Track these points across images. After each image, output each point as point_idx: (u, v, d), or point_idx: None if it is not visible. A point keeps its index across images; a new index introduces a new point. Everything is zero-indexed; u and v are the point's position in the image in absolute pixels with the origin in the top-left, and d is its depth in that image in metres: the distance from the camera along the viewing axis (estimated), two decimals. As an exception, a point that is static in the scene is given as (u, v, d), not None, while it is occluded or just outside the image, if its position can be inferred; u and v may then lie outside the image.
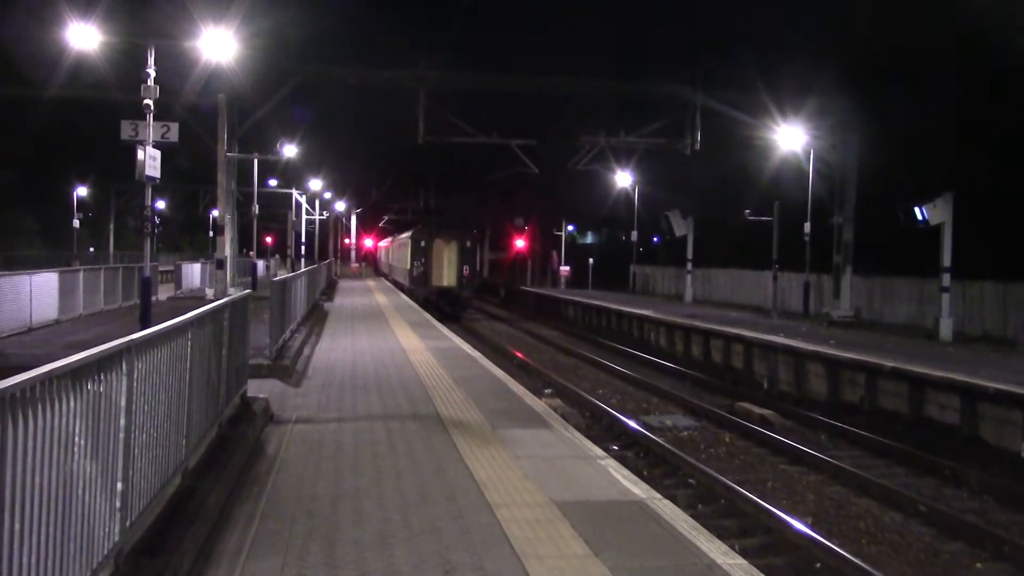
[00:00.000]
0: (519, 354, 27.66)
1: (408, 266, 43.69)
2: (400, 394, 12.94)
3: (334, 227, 76.41)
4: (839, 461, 14.18)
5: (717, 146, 33.31)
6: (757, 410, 18.19)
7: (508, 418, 11.14)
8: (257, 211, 39.08)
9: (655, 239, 63.38)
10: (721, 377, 23.27)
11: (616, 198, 49.90)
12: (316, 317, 26.25)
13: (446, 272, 41.95)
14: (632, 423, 16.82)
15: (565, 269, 52.61)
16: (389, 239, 73.98)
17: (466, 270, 42.23)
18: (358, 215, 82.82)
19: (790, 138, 30.10)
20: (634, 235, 48.11)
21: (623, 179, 44.72)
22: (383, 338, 20.98)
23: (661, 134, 33.22)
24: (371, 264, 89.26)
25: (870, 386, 18.16)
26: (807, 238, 30.07)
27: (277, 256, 74.58)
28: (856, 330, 26.74)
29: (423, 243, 42.27)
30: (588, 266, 50.87)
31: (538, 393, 18.02)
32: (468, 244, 42.55)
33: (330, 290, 43.84)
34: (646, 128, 33.61)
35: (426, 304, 37.63)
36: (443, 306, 40.11)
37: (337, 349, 18.65)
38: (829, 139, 30.80)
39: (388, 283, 54.90)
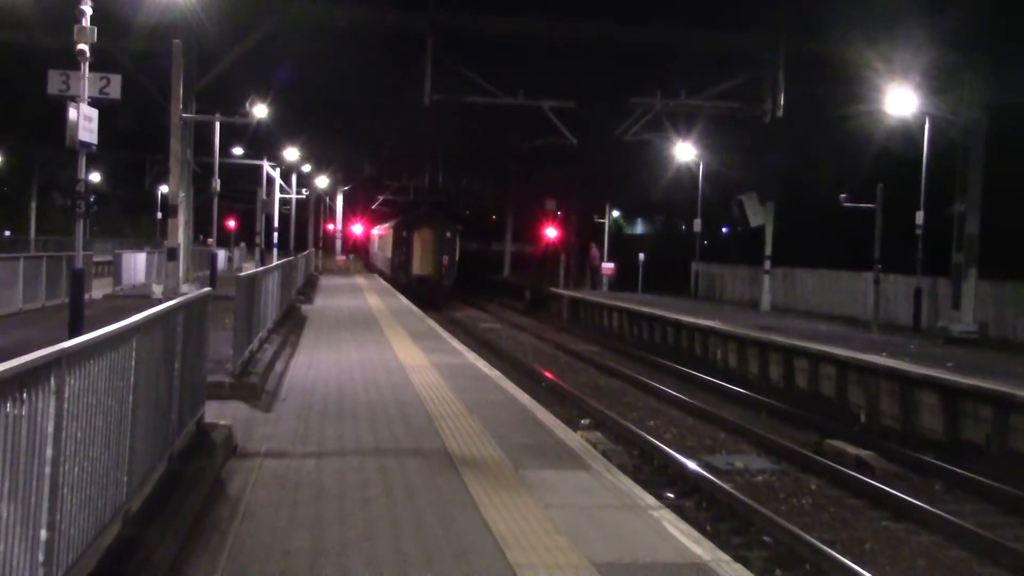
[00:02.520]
0: (549, 374, 27.67)
1: (390, 255, 57.18)
2: (398, 423, 12.95)
3: (315, 209, 76.69)
4: (958, 518, 14.07)
5: (805, 113, 33.18)
6: (852, 450, 18.09)
7: (535, 456, 11.14)
8: (219, 187, 39.24)
9: (724, 230, 63.25)
10: (806, 407, 23.16)
11: (674, 177, 49.77)
12: (292, 323, 26.34)
13: (425, 261, 54.61)
14: (692, 464, 16.77)
15: (608, 267, 52.61)
16: (384, 226, 74.30)
17: (446, 260, 54.83)
18: (346, 194, 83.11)
19: (899, 104, 29.92)
20: (697, 224, 47.98)
21: (684, 152, 44.62)
22: (377, 351, 21.01)
23: (733, 96, 33.12)
24: (362, 256, 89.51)
25: (999, 422, 18.01)
26: (919, 231, 29.88)
27: (243, 245, 74.94)
28: (981, 350, 26.54)
29: (404, 233, 55.28)
30: (637, 263, 50.79)
31: (573, 424, 17.99)
32: (448, 235, 55.30)
33: (310, 289, 44.00)
34: (713, 88, 33.50)
35: (405, 291, 47.31)
36: (423, 293, 49.88)
37: (318, 364, 18.70)
38: (950, 105, 30.60)
39: (384, 282, 55.10)
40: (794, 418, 22.07)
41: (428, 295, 50.45)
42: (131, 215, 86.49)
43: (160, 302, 9.13)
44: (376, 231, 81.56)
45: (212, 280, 37.23)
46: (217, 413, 12.21)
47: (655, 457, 17.62)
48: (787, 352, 25.79)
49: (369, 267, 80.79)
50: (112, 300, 30.41)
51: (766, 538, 13.22)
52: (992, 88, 30.42)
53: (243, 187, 68.13)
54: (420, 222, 56.49)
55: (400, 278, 54.32)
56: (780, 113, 31.96)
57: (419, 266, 54.60)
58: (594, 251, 55.24)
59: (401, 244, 55.51)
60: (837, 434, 19.98)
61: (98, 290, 33.01)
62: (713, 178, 47.90)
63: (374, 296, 40.93)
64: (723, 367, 29.27)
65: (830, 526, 14.18)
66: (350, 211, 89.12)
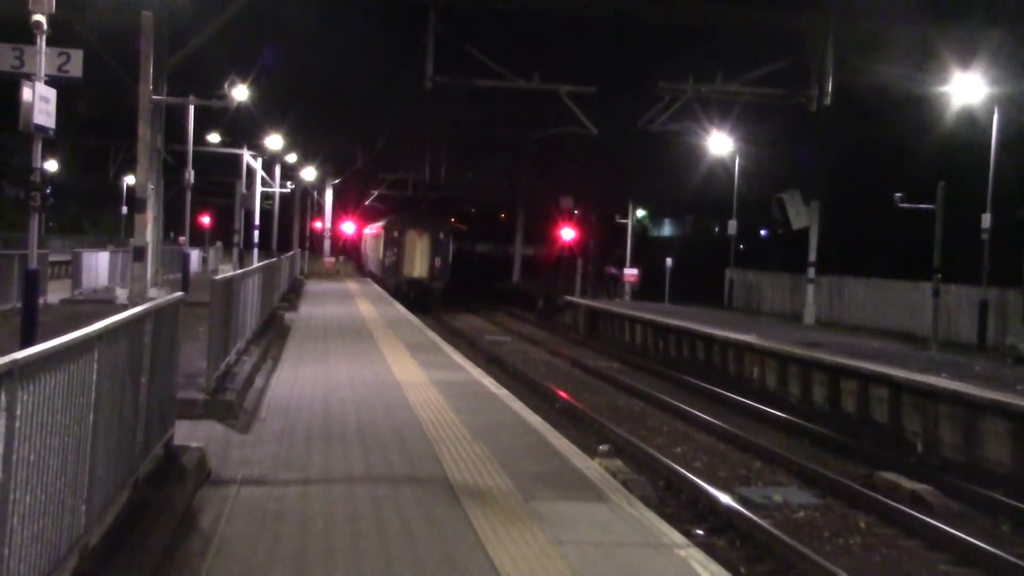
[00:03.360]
0: (563, 394, 27.62)
1: (381, 256, 60.77)
2: (392, 447, 12.94)
3: (301, 205, 76.79)
4: (1028, 562, 14.01)
5: (856, 100, 33.16)
6: (907, 484, 18.02)
7: (547, 486, 11.11)
8: (193, 179, 39.29)
9: (762, 232, 63.21)
10: (855, 434, 23.09)
11: (707, 172, 49.78)
12: (274, 333, 26.34)
13: (418, 263, 58.18)
14: (724, 497, 16.72)
15: (631, 273, 52.60)
16: (377, 225, 74.47)
17: (438, 262, 58.39)
18: (336, 188, 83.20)
19: (965, 89, 29.85)
20: (731, 226, 47.97)
21: (718, 144, 44.62)
22: (370, 366, 20.99)
23: (775, 82, 33.13)
24: (353, 258, 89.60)
25: (1074, 454, 17.92)
26: (985, 235, 29.80)
27: (219, 244, 75.04)
28: (1054, 372, 26.44)
29: (395, 233, 58.94)
30: (664, 269, 50.76)
31: (590, 451, 17.95)
32: (441, 236, 59.01)
33: (294, 295, 44.03)
34: (752, 72, 33.51)
35: (396, 294, 50.48)
36: (414, 297, 53.38)
37: (303, 380, 18.69)
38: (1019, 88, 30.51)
39: (377, 287, 55.14)
40: (841, 447, 21.99)
41: (419, 298, 53.83)
42: (93, 209, 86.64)
43: (125, 308, 9.14)
44: (369, 230, 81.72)
45: (184, 284, 37.23)
46: (188, 434, 12.18)
47: (683, 489, 17.57)
48: (833, 372, 25.70)
49: (362, 270, 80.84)
50: (70, 305, 30.43)
51: (809, 583, 13.17)
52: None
53: (220, 179, 68.17)
54: (411, 222, 60.11)
55: (390, 280, 57.75)
56: (828, 101, 31.97)
57: (410, 268, 58.13)
58: (610, 269, 55.48)
59: (391, 245, 59.07)
60: (890, 465, 19.90)
61: (54, 294, 33.05)
62: (751, 174, 47.89)
63: (366, 303, 40.93)
64: (760, 388, 29.19)
65: (881, 570, 14.12)
66: (340, 207, 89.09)
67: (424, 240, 58.52)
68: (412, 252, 58.38)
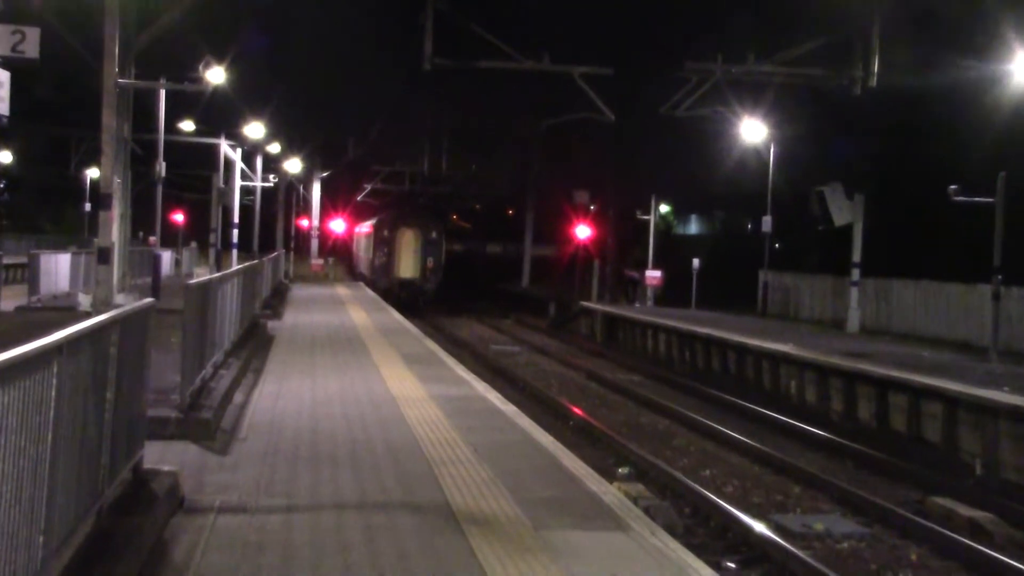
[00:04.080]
0: (578, 410, 27.60)
1: (371, 256, 65.60)
2: (387, 470, 12.93)
3: (286, 201, 76.83)
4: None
5: (905, 82, 33.09)
6: (964, 510, 17.96)
7: (559, 512, 11.10)
8: (164, 172, 39.37)
9: (801, 230, 62.98)
10: (905, 455, 23.04)
11: (738, 163, 49.69)
12: (255, 343, 26.34)
13: (409, 263, 62.55)
14: (759, 526, 16.69)
15: (653, 275, 52.54)
16: (369, 223, 74.65)
17: (430, 262, 62.63)
18: (324, 182, 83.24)
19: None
20: (766, 223, 47.89)
21: (750, 132, 44.53)
22: (362, 379, 20.99)
23: (814, 61, 33.08)
24: (344, 260, 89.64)
25: None
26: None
27: (194, 245, 75.11)
28: None
29: (386, 232, 63.23)
30: (690, 271, 50.71)
31: (608, 474, 17.92)
32: (434, 235, 63.41)
33: (278, 300, 44.05)
34: (789, 51, 33.47)
35: (386, 296, 54.12)
36: (404, 298, 56.92)
37: (288, 395, 18.69)
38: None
39: (371, 292, 55.16)
40: (889, 469, 21.94)
41: (409, 300, 57.70)
42: (52, 206, 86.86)
43: (89, 316, 9.13)
44: (360, 229, 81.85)
45: (155, 289, 37.27)
46: (160, 456, 12.17)
47: (712, 516, 17.54)
48: (880, 385, 25.64)
49: (353, 273, 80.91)
50: (27, 313, 30.48)
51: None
52: None
53: (195, 172, 68.35)
54: (402, 220, 64.46)
55: (380, 282, 61.92)
56: (874, 82, 31.90)
57: (401, 269, 62.54)
58: (631, 274, 55.42)
59: (381, 244, 63.51)
60: (944, 490, 19.85)
61: (9, 301, 33.11)
62: (788, 164, 47.81)
63: (359, 310, 40.94)
64: (798, 403, 29.13)
65: (936, 607, 14.07)
66: (330, 203, 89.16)
67: (416, 239, 62.79)
68: (403, 252, 62.55)
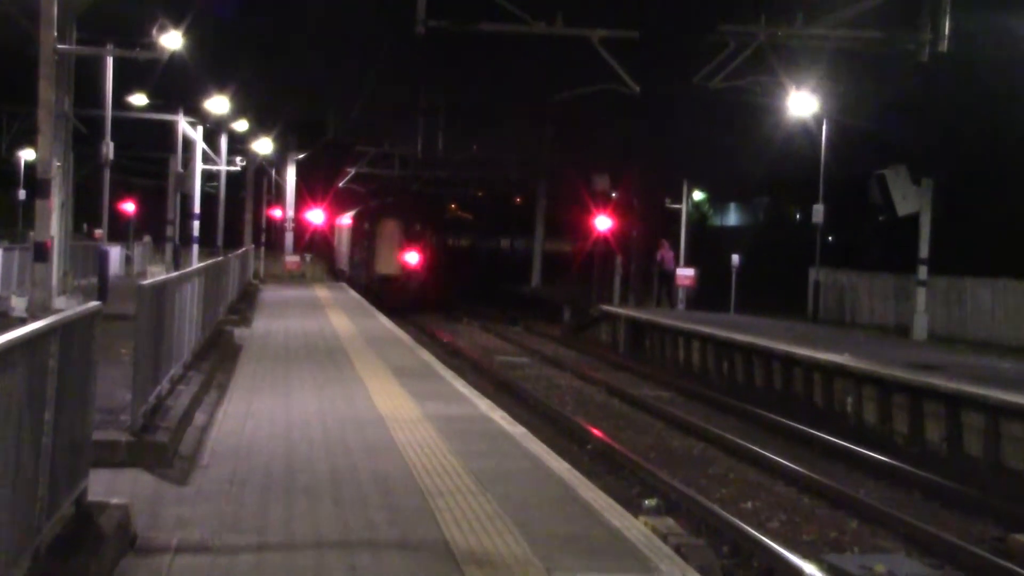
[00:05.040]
0: (597, 432, 27.57)
1: (350, 251, 71.17)
2: (375, 502, 12.93)
3: (255, 187, 76.82)
4: None
5: (981, 47, 33.01)
6: (1051, 549, 17.92)
7: (576, 553, 11.08)
8: (112, 154, 39.34)
9: (858, 220, 62.94)
10: (982, 485, 22.99)
11: (784, 142, 49.59)
12: (220, 354, 26.36)
13: (390, 258, 66.33)
14: (810, 568, 16.66)
15: (686, 274, 52.41)
16: (351, 214, 75.01)
17: (416, 257, 66.48)
18: (301, 166, 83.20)
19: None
20: (817, 212, 47.81)
21: (799, 105, 44.46)
22: (345, 397, 20.99)
23: (874, 23, 33.00)
24: (324, 256, 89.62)
25: None
26: None
27: (147, 239, 75.19)
28: None
29: (366, 225, 68.03)
30: (729, 268, 50.65)
31: (633, 506, 17.89)
32: (419, 227, 67.69)
33: (247, 304, 44.06)
34: (845, 11, 33.40)
35: (366, 294, 57.06)
36: (386, 297, 59.08)
37: (259, 415, 18.68)
38: None
39: (355, 294, 55.18)
40: (963, 500, 21.89)
41: (393, 299, 60.18)
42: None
43: (24, 323, 9.10)
44: (342, 220, 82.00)
45: (102, 291, 37.30)
46: (108, 487, 12.16)
47: (755, 556, 17.51)
48: (952, 403, 25.57)
49: (335, 271, 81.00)
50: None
51: None
52: None
53: (148, 154, 68.29)
54: (383, 211, 69.74)
55: (361, 278, 66.54)
56: (944, 47, 31.79)
57: (383, 264, 66.57)
58: (666, 251, 54.76)
59: (363, 238, 68.29)
60: (1028, 524, 19.82)
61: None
62: (843, 144, 47.75)
63: (341, 315, 40.95)
64: (856, 423, 29.07)
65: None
66: (307, 191, 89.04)
67: (398, 231, 67.26)
68: (384, 246, 66.92)
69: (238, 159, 67.30)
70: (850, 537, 19.35)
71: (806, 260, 49.80)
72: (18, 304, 31.95)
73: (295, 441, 16.51)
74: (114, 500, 11.38)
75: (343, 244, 77.15)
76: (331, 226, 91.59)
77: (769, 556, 17.31)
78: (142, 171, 78.63)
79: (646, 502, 20.39)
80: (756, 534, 18.26)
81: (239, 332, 32.65)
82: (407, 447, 16.19)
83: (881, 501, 21.31)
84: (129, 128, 53.30)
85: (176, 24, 36.70)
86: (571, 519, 12.45)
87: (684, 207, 54.91)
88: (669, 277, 53.36)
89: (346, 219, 78.45)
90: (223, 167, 62.28)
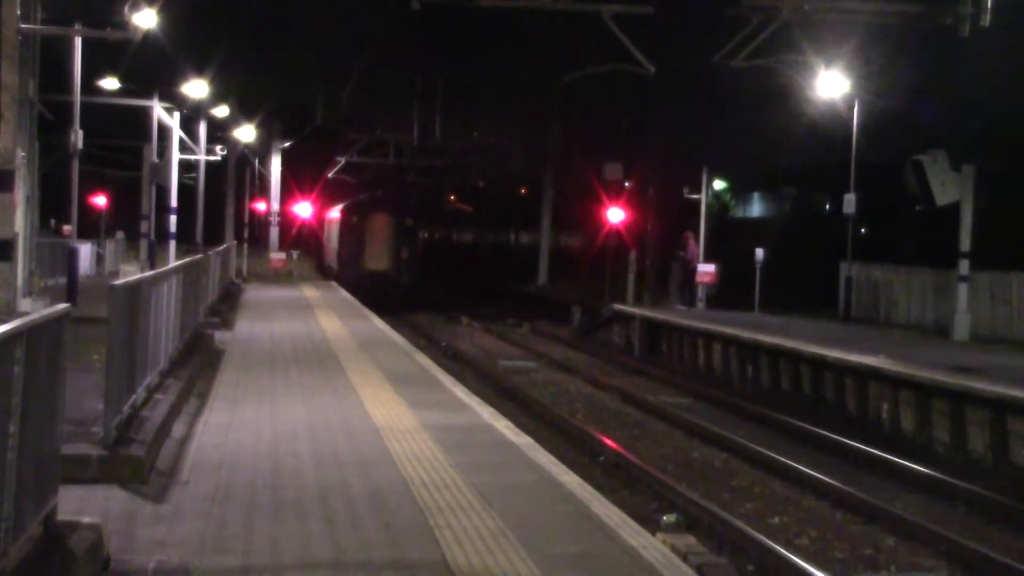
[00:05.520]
0: (611, 442, 27.52)
1: (338, 246, 72.55)
2: (369, 520, 12.93)
3: (238, 178, 76.81)
4: None
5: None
6: (1105, 567, 17.88)
7: (588, 573, 11.10)
8: (82, 143, 39.31)
9: (893, 210, 62.99)
10: (1029, 497, 22.95)
11: (813, 126, 49.59)
12: (200, 360, 26.31)
13: (380, 254, 69.29)
14: (844, 589, 16.62)
15: (706, 271, 52.33)
16: (339, 208, 75.24)
17: (404, 252, 69.53)
18: (287, 155, 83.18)
19: None
20: (849, 202, 47.75)
21: (828, 86, 44.44)
22: (336, 405, 20.98)
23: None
24: (312, 253, 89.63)
25: None
26: None
27: (120, 235, 75.18)
28: None
29: (354, 219, 70.46)
30: (753, 264, 50.58)
31: (650, 523, 17.87)
32: (408, 222, 70.79)
33: (229, 306, 44.05)
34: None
35: (356, 290, 58.69)
36: (376, 293, 60.66)
37: (242, 426, 18.66)
38: None
39: (347, 294, 55.19)
40: (1010, 514, 21.86)
41: (382, 295, 61.63)
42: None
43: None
44: (332, 214, 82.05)
45: (71, 292, 37.30)
46: (79, 505, 12.14)
47: (782, 575, 17.50)
48: (998, 408, 25.51)
49: (323, 269, 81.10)
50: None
51: None
52: None
53: (121, 143, 68.23)
54: (373, 205, 72.40)
55: (348, 274, 68.43)
56: (987, 21, 31.76)
57: (372, 260, 69.40)
58: (692, 245, 54.60)
59: (350, 233, 70.78)
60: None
61: None
62: (876, 128, 47.73)
63: (331, 316, 40.94)
64: (892, 431, 29.02)
65: None
66: (294, 182, 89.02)
67: (387, 226, 70.29)
68: (373, 241, 69.99)
69: (218, 148, 67.16)
70: (886, 555, 19.32)
71: (837, 254, 49.75)
72: (-21, 307, 31.99)
73: (282, 454, 16.49)
74: (85, 519, 11.36)
75: (332, 240, 77.40)
76: (320, 220, 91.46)
77: (798, 576, 17.30)
78: (114, 161, 78.57)
79: (664, 518, 20.38)
80: (784, 552, 18.23)
81: (220, 336, 32.65)
82: (404, 460, 16.17)
83: (920, 515, 21.24)
84: (100, 115, 53.25)
85: (150, 1, 36.69)
86: (582, 537, 12.43)
87: (703, 197, 54.81)
88: (690, 273, 53.15)
89: (335, 213, 78.53)
90: (202, 156, 62.20)
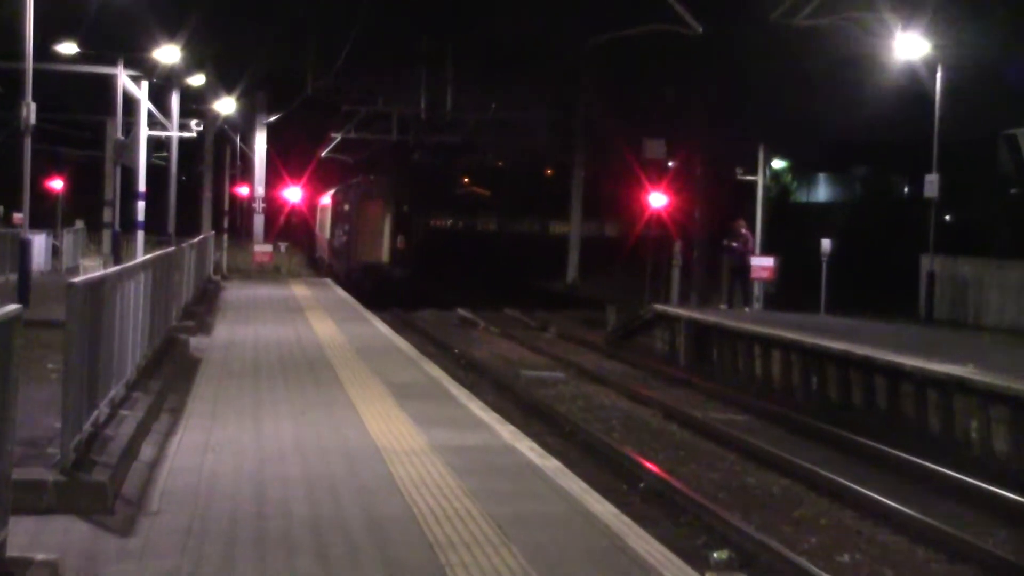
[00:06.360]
0: (652, 466, 27.53)
1: (329, 235, 75.66)
2: (369, 558, 12.96)
3: (216, 158, 76.89)
4: None
5: None
6: None
7: (627, 620, 11.04)
8: (34, 117, 39.41)
9: (983, 193, 63.07)
10: None
11: (887, 96, 49.53)
12: (172, 370, 26.38)
13: (374, 244, 72.12)
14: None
15: (763, 264, 52.22)
16: (331, 193, 75.75)
17: (401, 241, 72.02)
18: (273, 130, 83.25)
19: None
20: (930, 184, 47.72)
21: (906, 48, 44.38)
22: (331, 423, 20.99)
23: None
24: (304, 244, 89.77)
25: None
26: None
27: (81, 224, 75.32)
28: None
29: (346, 206, 73.41)
30: (818, 256, 50.53)
31: (698, 560, 17.88)
32: (405, 208, 73.44)
33: (206, 307, 44.13)
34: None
35: (347, 284, 62.98)
36: (368, 287, 64.85)
37: (221, 447, 18.65)
38: None
39: (343, 293, 55.28)
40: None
41: (382, 292, 65.23)
42: None
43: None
44: (324, 200, 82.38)
45: (22, 291, 37.41)
46: (32, 538, 12.17)
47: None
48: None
49: (316, 261, 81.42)
50: None
51: None
52: None
53: (81, 118, 68.40)
54: (366, 190, 74.85)
55: (340, 266, 72.38)
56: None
57: (363, 251, 72.35)
58: (746, 234, 54.37)
59: (341, 221, 73.82)
60: None
61: None
62: (963, 98, 47.66)
63: (325, 319, 41.00)
64: (983, 454, 28.93)
65: None
66: (282, 162, 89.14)
67: (383, 213, 73.02)
68: (366, 229, 72.79)
69: (194, 123, 67.32)
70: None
71: (916, 245, 49.74)
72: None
73: (268, 480, 16.47)
74: (40, 556, 11.40)
75: (324, 229, 77.87)
76: (312, 207, 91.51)
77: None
78: (73, 139, 78.91)
79: (715, 555, 20.40)
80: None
81: (197, 342, 32.71)
82: (409, 486, 16.16)
83: (1017, 553, 21.22)
84: (56, 85, 53.49)
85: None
86: (619, 576, 12.44)
87: (760, 179, 54.76)
88: (742, 268, 52.80)
89: (327, 198, 78.84)
90: (175, 133, 62.35)
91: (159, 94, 59.09)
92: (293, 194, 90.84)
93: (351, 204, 73.20)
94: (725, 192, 60.02)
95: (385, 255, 72.21)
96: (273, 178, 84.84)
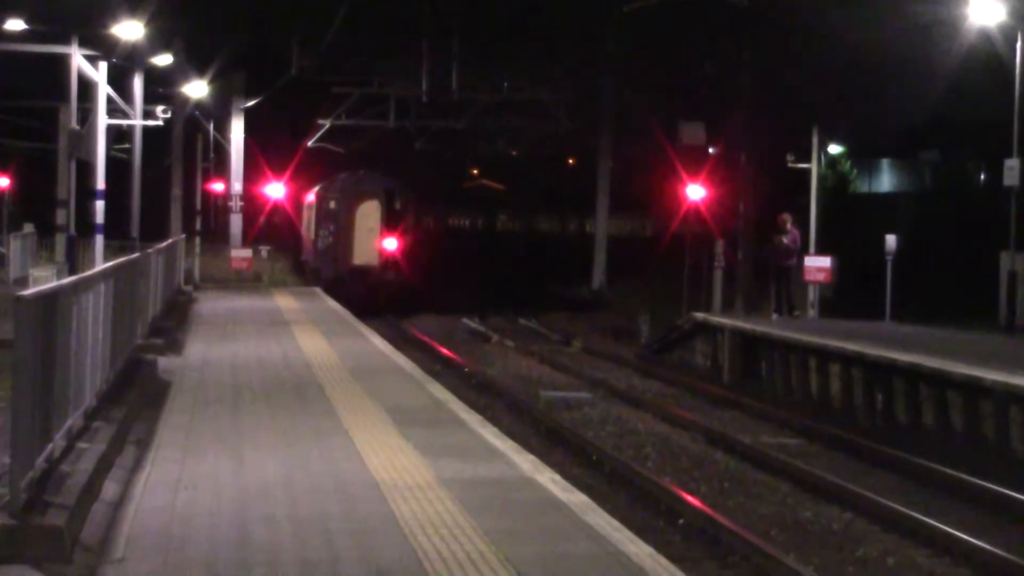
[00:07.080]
0: (693, 500, 27.52)
1: (314, 236, 76.55)
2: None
3: (186, 150, 77.04)
4: None
5: None
6: None
7: None
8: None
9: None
10: None
11: (960, 72, 49.50)
12: (138, 395, 26.41)
13: (367, 246, 73.23)
14: None
15: (819, 265, 52.15)
16: (315, 190, 76.21)
17: (395, 242, 72.77)
18: (253, 116, 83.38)
19: None
20: (1010, 171, 47.68)
21: (982, 13, 44.32)
22: (323, 454, 21.06)
23: None
24: (289, 248, 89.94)
25: None
26: None
27: (30, 228, 75.47)
28: None
29: (332, 204, 75.20)
30: (882, 255, 50.48)
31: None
32: (397, 205, 74.64)
33: (176, 322, 44.20)
34: None
35: (336, 292, 64.10)
36: (360, 292, 67.59)
37: (196, 483, 18.69)
38: None
39: (334, 303, 55.37)
40: None
41: (367, 295, 67.99)
42: None
43: None
44: (309, 197, 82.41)
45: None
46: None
47: None
48: None
49: (302, 266, 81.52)
50: None
51: None
52: None
53: (29, 104, 68.56)
54: (356, 185, 76.40)
55: (327, 271, 73.63)
56: None
57: (356, 253, 73.62)
58: (793, 230, 54.24)
59: (328, 220, 75.30)
60: None
61: None
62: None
63: (314, 335, 41.07)
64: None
65: None
66: (262, 154, 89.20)
67: (375, 211, 74.42)
68: (357, 229, 74.19)
69: (160, 109, 67.48)
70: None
71: (995, 241, 49.69)
72: None
73: (251, 521, 16.47)
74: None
75: (310, 230, 78.04)
76: (297, 204, 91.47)
77: None
78: (20, 129, 79.11)
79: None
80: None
81: (166, 363, 32.76)
82: (414, 526, 16.15)
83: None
84: (1, 67, 53.47)
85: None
86: (657, 629, 12.43)
87: (814, 167, 54.78)
88: (785, 270, 52.50)
89: (313, 195, 78.93)
90: (138, 121, 62.51)
91: (120, 77, 59.22)
92: (275, 190, 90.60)
93: (337, 201, 74.82)
94: (774, 183, 59.98)
95: (376, 258, 73.14)
96: (252, 172, 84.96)
